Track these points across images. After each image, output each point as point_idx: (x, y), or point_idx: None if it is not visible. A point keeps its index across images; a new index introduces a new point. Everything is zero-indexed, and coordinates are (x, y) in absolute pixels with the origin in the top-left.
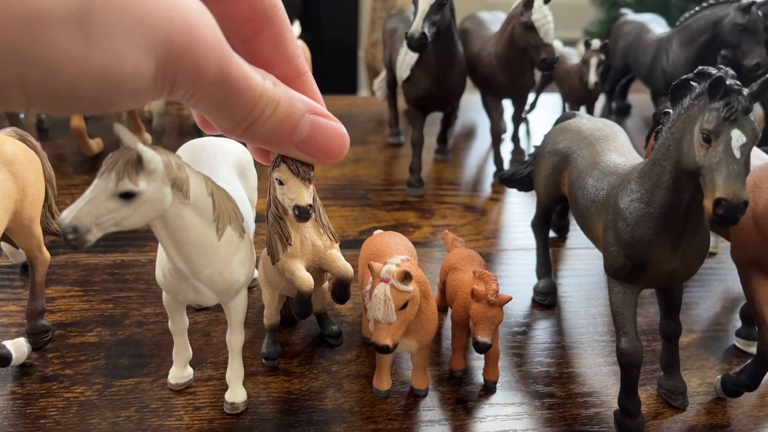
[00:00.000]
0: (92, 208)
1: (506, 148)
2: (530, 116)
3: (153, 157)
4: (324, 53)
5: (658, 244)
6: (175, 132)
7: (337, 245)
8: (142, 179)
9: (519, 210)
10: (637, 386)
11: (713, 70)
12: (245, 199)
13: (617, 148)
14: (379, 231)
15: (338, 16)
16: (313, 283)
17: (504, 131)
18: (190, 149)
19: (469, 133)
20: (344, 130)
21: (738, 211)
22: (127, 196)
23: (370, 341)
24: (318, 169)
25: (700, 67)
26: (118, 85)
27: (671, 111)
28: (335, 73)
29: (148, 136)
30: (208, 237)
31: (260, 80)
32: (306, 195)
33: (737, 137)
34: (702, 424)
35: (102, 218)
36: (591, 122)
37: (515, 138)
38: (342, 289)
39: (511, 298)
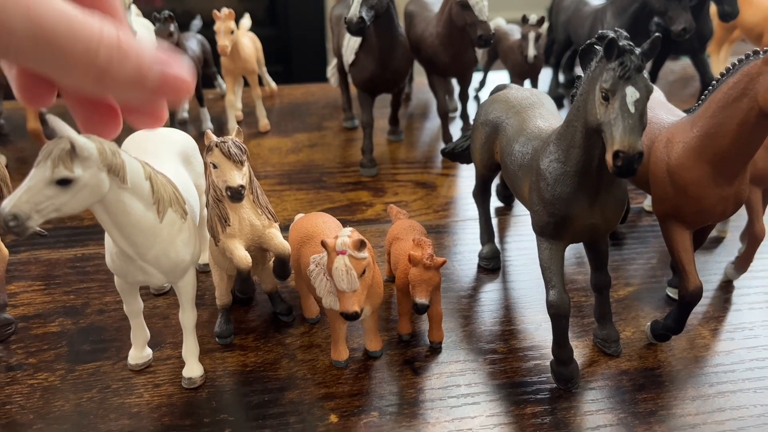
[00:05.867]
0: (31, 196)
1: (457, 126)
2: (481, 94)
3: (86, 144)
4: (293, 46)
5: (577, 201)
6: (134, 129)
7: (276, 224)
8: (77, 166)
9: (468, 183)
10: (567, 335)
11: (610, 33)
12: (190, 185)
13: (542, 115)
14: (300, 214)
15: (305, 9)
16: (250, 261)
17: (453, 110)
18: (135, 140)
19: (423, 114)
20: (185, 67)
21: (634, 162)
22: (64, 182)
23: (313, 321)
24: (273, 155)
25: (600, 32)
26: None
27: (583, 75)
28: (305, 65)
29: None
30: (149, 219)
31: (96, 25)
32: (237, 176)
33: (631, 94)
34: (634, 368)
35: (41, 205)
36: (519, 92)
37: (464, 115)
38: (281, 265)
39: (445, 261)
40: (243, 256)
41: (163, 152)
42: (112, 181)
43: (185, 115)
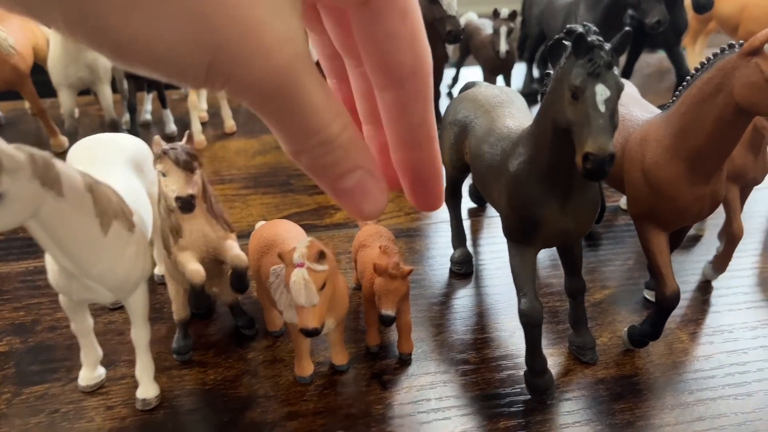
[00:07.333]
0: None
1: None
2: (454, 90)
3: (13, 155)
4: None
5: (547, 204)
6: (97, 131)
7: (233, 235)
8: (5, 179)
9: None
10: (540, 345)
11: (579, 28)
12: (142, 194)
13: (512, 114)
14: (262, 222)
15: None
16: (203, 274)
17: None
18: (82, 148)
19: None
20: (383, 198)
21: (605, 164)
22: None
23: (277, 334)
24: (239, 158)
25: (568, 26)
26: (167, 63)
27: (552, 72)
28: None
29: (64, 139)
30: (91, 233)
31: (326, 118)
32: (187, 185)
33: (601, 92)
34: (611, 376)
35: None
36: (487, 90)
37: (436, 113)
38: (238, 278)
39: (412, 270)
40: (195, 269)
41: (112, 160)
42: (47, 194)
43: (148, 116)
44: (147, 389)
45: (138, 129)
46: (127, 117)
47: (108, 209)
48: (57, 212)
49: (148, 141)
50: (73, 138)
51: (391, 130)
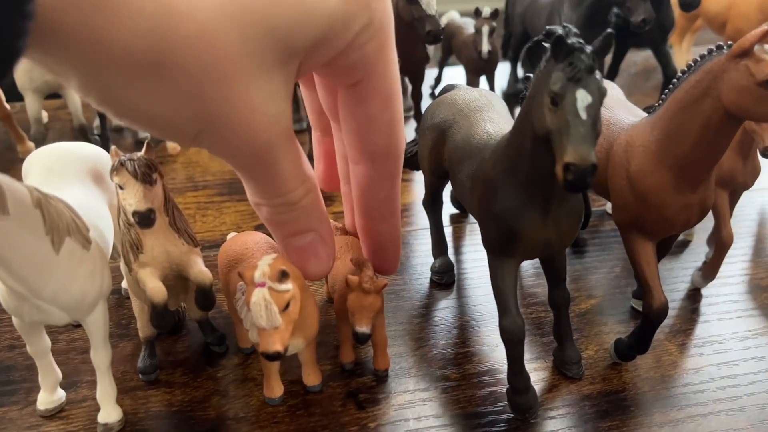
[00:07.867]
0: None
1: (412, 126)
2: (437, 90)
3: None
4: None
5: (527, 214)
6: (67, 137)
7: (197, 249)
8: None
9: (423, 189)
10: (522, 362)
11: (558, 30)
12: (101, 207)
13: (491, 118)
14: (233, 233)
15: None
16: (164, 293)
17: (407, 109)
18: (38, 158)
19: None
20: (329, 262)
21: (587, 175)
22: None
23: (249, 351)
24: (214, 163)
25: (547, 27)
26: (160, 128)
27: (532, 76)
28: None
29: (31, 145)
30: (42, 252)
31: (294, 185)
32: (145, 199)
33: (582, 98)
34: (597, 392)
35: None
36: (467, 93)
37: (418, 115)
38: (202, 296)
39: (386, 284)
40: (156, 287)
41: (69, 171)
42: None
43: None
44: (108, 413)
45: (109, 134)
46: (97, 122)
47: (59, 225)
48: (1, 231)
49: (120, 146)
50: (41, 144)
51: (358, 200)
